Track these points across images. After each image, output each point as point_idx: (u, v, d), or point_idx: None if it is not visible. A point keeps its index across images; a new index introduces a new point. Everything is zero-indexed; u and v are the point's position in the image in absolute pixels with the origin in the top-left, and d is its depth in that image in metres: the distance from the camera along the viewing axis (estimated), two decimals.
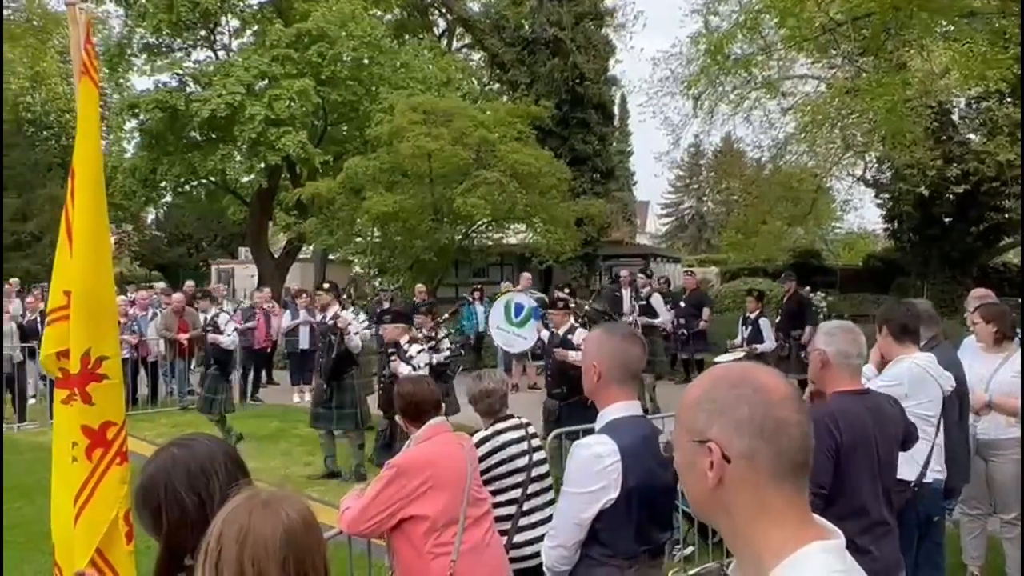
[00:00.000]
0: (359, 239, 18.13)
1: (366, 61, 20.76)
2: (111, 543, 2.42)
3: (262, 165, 20.78)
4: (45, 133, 28.74)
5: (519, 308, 11.89)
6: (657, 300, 11.90)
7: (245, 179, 23.83)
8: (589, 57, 20.79)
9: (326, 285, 8.42)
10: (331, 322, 7.80)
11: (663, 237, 55.10)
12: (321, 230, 17.61)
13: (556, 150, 18.53)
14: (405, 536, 3.20)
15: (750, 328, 10.51)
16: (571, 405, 6.84)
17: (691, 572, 5.03)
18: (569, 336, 7.40)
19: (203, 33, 22.16)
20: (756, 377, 1.25)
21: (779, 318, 11.66)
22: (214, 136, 20.77)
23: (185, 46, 22.26)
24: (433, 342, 8.01)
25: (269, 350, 13.71)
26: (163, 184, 22.20)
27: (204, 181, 23.13)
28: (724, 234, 27.90)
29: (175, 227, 33.73)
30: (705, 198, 56.48)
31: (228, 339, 9.12)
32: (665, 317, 11.79)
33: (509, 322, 11.87)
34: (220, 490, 1.72)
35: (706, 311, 12.95)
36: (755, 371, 1.27)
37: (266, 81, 19.67)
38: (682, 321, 12.65)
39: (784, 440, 1.20)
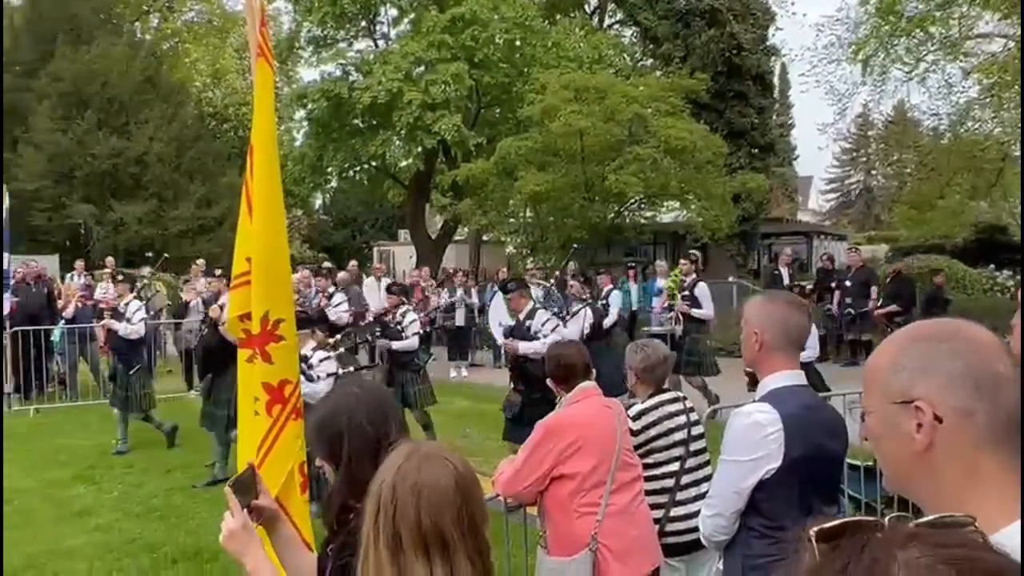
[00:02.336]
0: (511, 220, 18.42)
1: (518, 42, 20.96)
2: (288, 493, 2.59)
3: (419, 149, 21.49)
4: (225, 126, 31.01)
5: None
6: (702, 290, 10.12)
7: (403, 163, 24.73)
8: (747, 26, 20.00)
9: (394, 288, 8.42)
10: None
11: (827, 214, 52.33)
12: (475, 211, 18.01)
13: (712, 124, 17.98)
14: (553, 495, 3.25)
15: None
16: (534, 401, 5.97)
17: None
18: (528, 321, 6.43)
19: (364, 24, 23.13)
20: (967, 330, 1.15)
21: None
22: (375, 122, 21.66)
23: (347, 37, 23.35)
24: (395, 326, 7.50)
25: (427, 327, 14.21)
26: (329, 170, 23.46)
27: (366, 166, 24.23)
28: (896, 209, 26.09)
29: (340, 211, 35.51)
30: (874, 171, 53.05)
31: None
32: (709, 310, 9.85)
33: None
34: (394, 431, 1.80)
35: (874, 290, 12.22)
36: (964, 325, 1.17)
37: (422, 67, 20.29)
38: (848, 300, 12.02)
39: (1002, 397, 1.09)
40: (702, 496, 3.67)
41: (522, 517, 4.00)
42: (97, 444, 8.69)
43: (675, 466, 3.79)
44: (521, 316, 6.43)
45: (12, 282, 11.23)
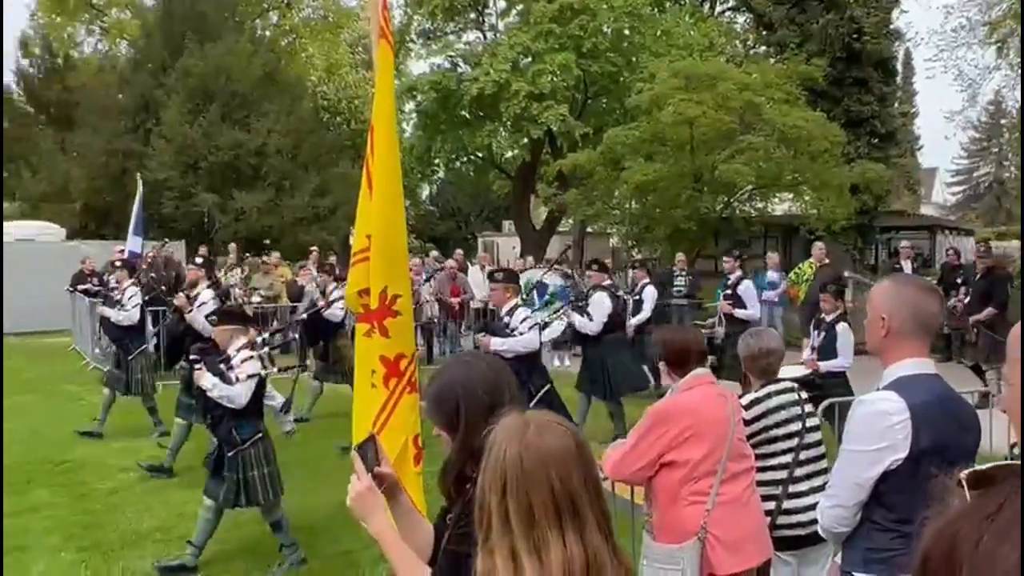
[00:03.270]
0: (616, 211, 18.27)
1: (627, 31, 20.72)
2: (402, 464, 2.66)
3: (525, 140, 21.58)
4: (338, 119, 31.99)
5: (542, 290, 10.75)
6: (747, 288, 9.17)
7: (509, 154, 24.92)
8: (868, 9, 19.08)
9: None
10: None
11: (952, 208, 49.50)
12: (580, 201, 17.94)
13: (829, 112, 17.26)
14: (662, 481, 3.22)
15: (823, 335, 7.06)
16: None
17: None
18: (507, 317, 6.10)
19: (472, 15, 23.36)
20: None
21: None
22: (481, 113, 21.87)
23: (456, 29, 23.65)
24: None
25: None
26: (436, 161, 23.87)
27: (472, 157, 24.54)
28: None
29: (446, 202, 36.10)
30: (1007, 163, 49.76)
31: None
32: (754, 310, 9.04)
33: (531, 307, 11.28)
34: (508, 401, 1.82)
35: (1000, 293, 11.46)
36: None
37: (530, 58, 20.34)
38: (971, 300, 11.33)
39: None
40: (816, 490, 3.56)
41: (628, 507, 3.97)
42: None
43: (788, 458, 3.69)
44: (503, 311, 6.15)
45: (145, 264, 11.92)
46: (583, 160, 16.88)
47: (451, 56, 22.35)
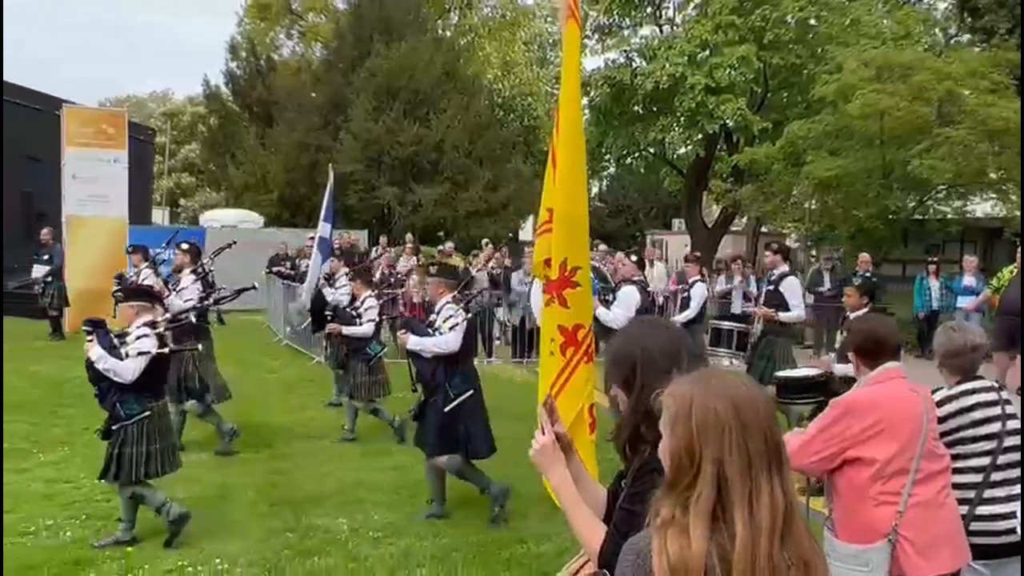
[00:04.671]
0: (795, 208, 17.50)
1: (812, 21, 19.78)
2: (577, 431, 2.72)
3: (699, 135, 21.13)
4: (511, 116, 32.70)
5: None
6: (791, 286, 7.87)
7: (682, 150, 24.49)
8: None
9: None
10: None
11: None
12: (757, 198, 17.34)
13: None
14: (848, 478, 3.07)
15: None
16: (430, 404, 5.57)
17: None
18: (435, 315, 5.73)
19: (649, 10, 23.14)
20: None
21: None
22: (655, 108, 21.62)
23: (632, 24, 23.50)
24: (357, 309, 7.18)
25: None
26: (607, 157, 23.86)
27: (644, 153, 24.31)
28: None
29: (615, 199, 35.98)
30: None
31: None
32: (798, 311, 7.89)
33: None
34: (685, 363, 1.83)
35: None
36: None
37: (707, 51, 19.88)
38: None
39: None
40: (1015, 497, 3.28)
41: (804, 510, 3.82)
42: (394, 397, 9.61)
43: (984, 461, 3.41)
44: (436, 307, 5.78)
45: (333, 248, 12.73)
46: (761, 155, 16.32)
47: (626, 51, 22.25)
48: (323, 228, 11.98)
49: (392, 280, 13.10)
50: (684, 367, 1.88)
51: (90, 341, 4.97)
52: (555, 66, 34.45)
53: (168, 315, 5.40)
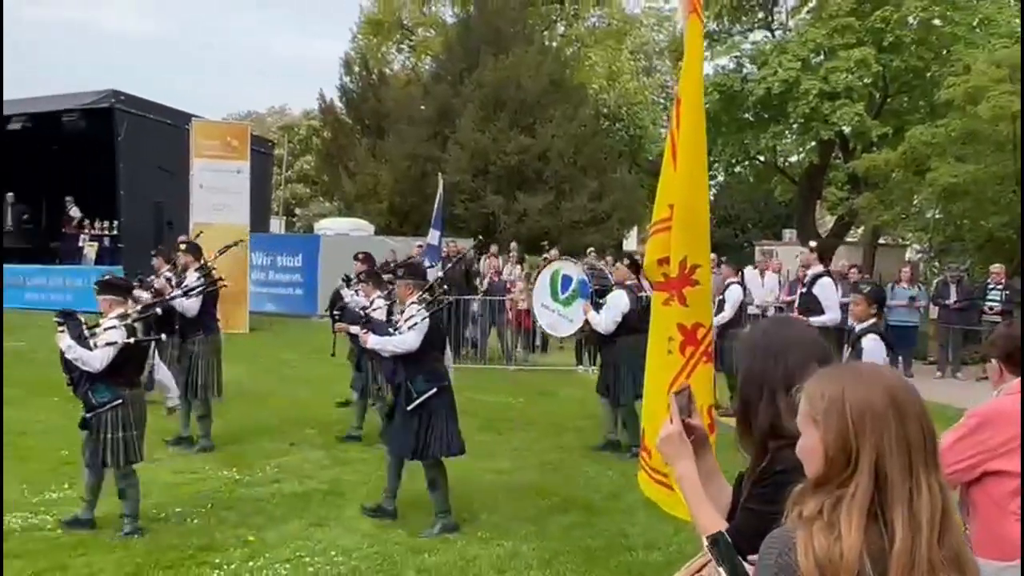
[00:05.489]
0: (916, 218, 16.67)
1: (936, 21, 18.86)
2: None
3: (813, 142, 20.47)
4: (617, 125, 32.51)
5: (566, 282, 10.10)
6: (825, 288, 7.60)
7: (794, 158, 23.79)
8: None
9: None
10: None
11: None
12: (876, 206, 16.61)
13: None
14: (986, 491, 2.90)
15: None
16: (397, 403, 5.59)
17: None
18: (398, 315, 5.76)
19: (761, 15, 22.63)
20: None
21: None
22: (766, 115, 21.10)
23: (743, 29, 23.02)
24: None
25: None
26: (716, 165, 23.39)
27: (754, 161, 23.73)
28: None
29: (723, 208, 35.18)
30: None
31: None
32: (833, 313, 7.53)
33: (555, 299, 9.96)
34: (815, 363, 1.76)
35: None
36: None
37: (822, 55, 19.26)
38: None
39: None
40: None
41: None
42: (498, 401, 9.70)
43: None
44: (404, 307, 5.74)
45: (441, 256, 12.98)
46: (880, 162, 15.65)
47: (736, 56, 21.81)
48: (432, 235, 12.25)
49: (497, 287, 13.23)
50: (814, 363, 1.82)
51: (61, 331, 5.12)
52: (661, 74, 34.07)
53: (138, 308, 5.55)
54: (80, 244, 18.16)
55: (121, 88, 17.22)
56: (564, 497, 6.31)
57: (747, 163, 24.24)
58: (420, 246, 15.31)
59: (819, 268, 7.73)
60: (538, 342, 14.37)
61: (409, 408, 5.46)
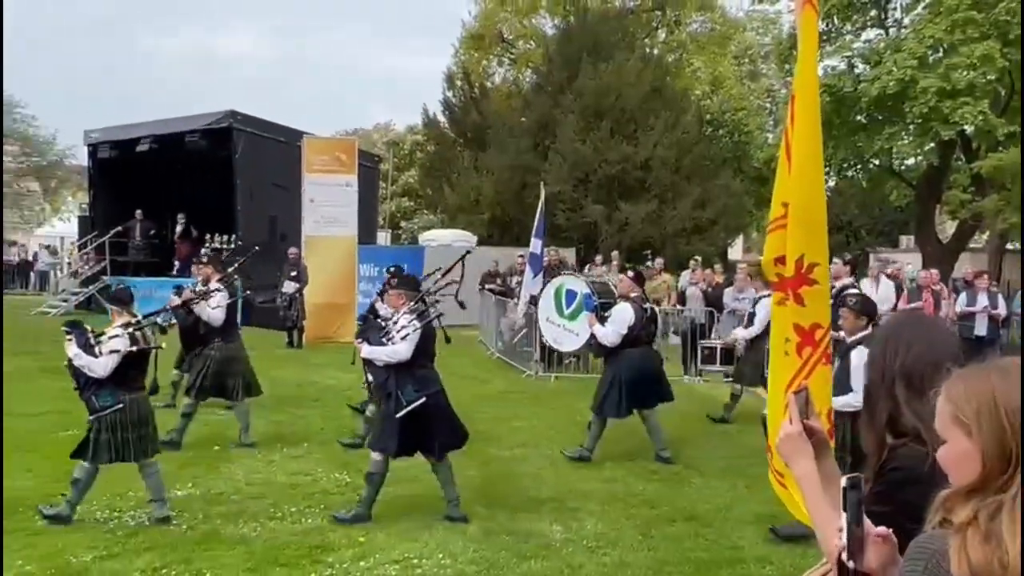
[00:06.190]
0: None
1: None
2: None
3: (932, 144, 19.47)
4: (720, 132, 31.87)
5: (571, 296, 10.08)
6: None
7: (910, 160, 22.68)
8: None
9: None
10: None
11: None
12: (1002, 209, 15.66)
13: None
14: None
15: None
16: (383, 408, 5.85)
17: None
18: (391, 324, 5.85)
19: (873, 12, 21.73)
20: None
21: None
22: (880, 117, 20.21)
23: (854, 28, 22.16)
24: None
25: None
26: (827, 169, 22.53)
27: (867, 164, 22.78)
28: None
29: (834, 214, 33.87)
30: None
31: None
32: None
33: (560, 313, 10.05)
34: (946, 365, 1.68)
35: None
36: None
37: (940, 51, 18.33)
38: None
39: None
40: None
41: None
42: None
43: None
44: (396, 316, 5.89)
45: (543, 266, 13.00)
46: (1007, 161, 14.75)
47: (847, 56, 20.99)
48: (535, 244, 12.30)
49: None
50: (945, 364, 1.73)
51: (69, 340, 5.44)
52: (767, 79, 33.20)
53: (139, 317, 5.79)
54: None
55: (238, 108, 18.13)
56: (672, 507, 6.19)
57: (860, 167, 23.22)
58: (521, 256, 15.40)
59: (847, 280, 7.98)
60: None
61: (398, 415, 5.64)
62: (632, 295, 7.73)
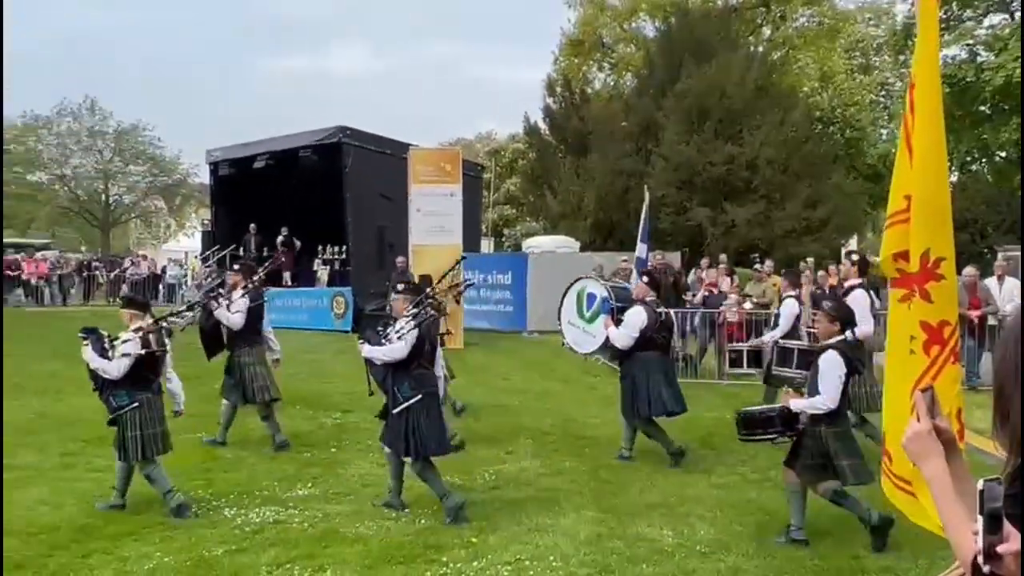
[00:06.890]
0: None
1: None
2: None
3: None
4: (831, 128, 30.72)
5: (591, 299, 9.86)
6: (858, 298, 7.28)
7: None
8: None
9: None
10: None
11: None
12: None
13: None
14: None
15: None
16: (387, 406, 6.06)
17: None
18: (387, 328, 6.05)
19: None
20: None
21: None
22: (1006, 107, 19.10)
23: (976, 15, 21.02)
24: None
25: None
26: (949, 163, 21.46)
27: (993, 158, 21.53)
28: None
29: (959, 211, 32.09)
30: None
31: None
32: (866, 325, 7.12)
33: (581, 316, 9.80)
34: None
35: None
36: None
37: None
38: None
39: None
40: None
41: None
42: (712, 416, 9.42)
43: None
44: (399, 319, 6.10)
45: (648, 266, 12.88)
46: None
47: (969, 44, 19.93)
48: (640, 248, 12.22)
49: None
50: None
51: (85, 345, 5.76)
52: (880, 71, 31.79)
53: (151, 321, 5.98)
54: (313, 268, 19.88)
55: (348, 123, 18.76)
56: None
57: (985, 160, 22.00)
58: (625, 261, 15.31)
59: (855, 280, 7.84)
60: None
61: (395, 411, 5.89)
62: (647, 299, 7.80)
